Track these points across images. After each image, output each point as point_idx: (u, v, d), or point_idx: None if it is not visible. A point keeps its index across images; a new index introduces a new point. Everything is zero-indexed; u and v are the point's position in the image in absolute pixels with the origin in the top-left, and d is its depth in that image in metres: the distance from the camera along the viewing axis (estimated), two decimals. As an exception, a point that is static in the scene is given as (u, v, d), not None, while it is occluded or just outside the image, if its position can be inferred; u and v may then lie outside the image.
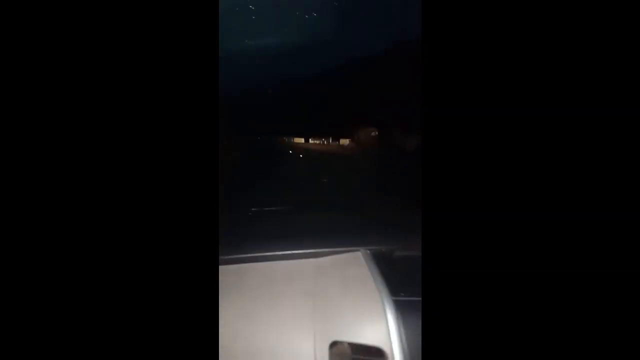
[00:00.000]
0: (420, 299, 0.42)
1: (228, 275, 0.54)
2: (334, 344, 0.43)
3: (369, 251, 0.56)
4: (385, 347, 0.40)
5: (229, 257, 0.57)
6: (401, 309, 0.42)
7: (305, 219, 0.83)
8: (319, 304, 0.47)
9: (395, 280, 0.47)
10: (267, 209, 0.88)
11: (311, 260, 0.57)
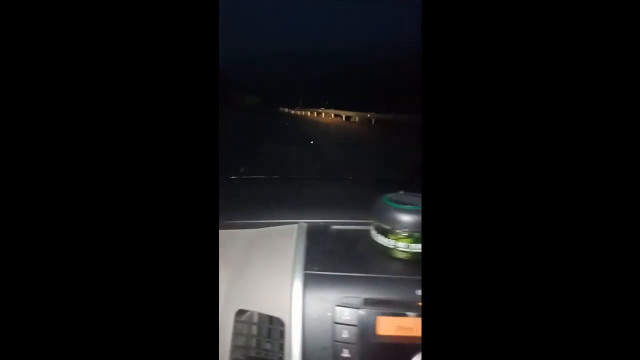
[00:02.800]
0: (329, 273, 0.42)
1: None
2: (240, 312, 0.43)
3: (306, 224, 0.55)
4: (284, 318, 0.40)
5: None
6: (309, 282, 0.42)
7: (267, 190, 0.82)
8: (234, 273, 0.47)
9: (316, 253, 0.46)
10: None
11: (247, 230, 0.56)
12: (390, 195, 0.47)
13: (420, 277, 0.41)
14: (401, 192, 0.48)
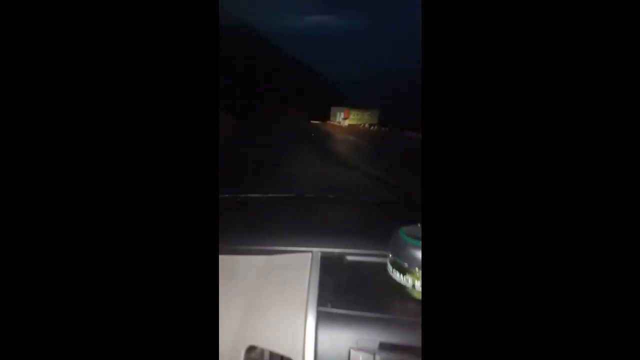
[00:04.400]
0: (344, 312, 0.40)
1: None
2: (250, 348, 0.42)
3: (320, 253, 0.53)
4: (297, 358, 0.39)
5: None
6: (323, 320, 0.40)
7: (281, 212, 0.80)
8: (246, 305, 0.46)
9: (330, 288, 0.45)
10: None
11: (260, 257, 0.55)
12: (407, 229, 0.45)
13: None
14: (418, 224, 0.46)
